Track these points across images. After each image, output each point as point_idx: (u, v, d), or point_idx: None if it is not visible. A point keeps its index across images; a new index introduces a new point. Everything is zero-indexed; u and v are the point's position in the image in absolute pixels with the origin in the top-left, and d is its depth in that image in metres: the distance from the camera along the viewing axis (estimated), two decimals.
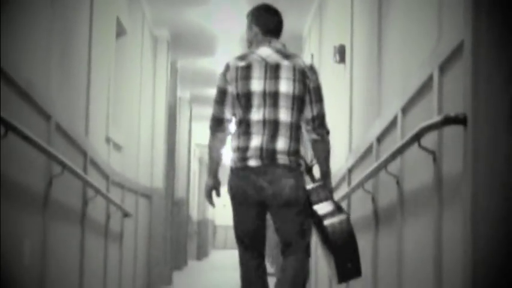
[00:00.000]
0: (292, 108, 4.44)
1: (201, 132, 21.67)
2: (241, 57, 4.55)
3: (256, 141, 4.44)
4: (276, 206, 4.41)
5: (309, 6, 9.54)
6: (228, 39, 11.37)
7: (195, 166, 24.07)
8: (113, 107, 8.17)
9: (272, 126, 4.43)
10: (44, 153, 4.50)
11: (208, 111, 17.96)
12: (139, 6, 9.37)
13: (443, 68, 3.68)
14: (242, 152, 4.44)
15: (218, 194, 4.69)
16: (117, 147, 7.99)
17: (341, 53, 7.05)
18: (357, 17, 6.40)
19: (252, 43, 4.70)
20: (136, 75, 9.29)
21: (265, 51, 4.54)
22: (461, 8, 3.35)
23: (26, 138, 4.12)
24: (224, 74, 4.55)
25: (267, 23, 4.65)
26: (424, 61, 3.95)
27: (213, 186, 4.66)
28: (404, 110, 4.47)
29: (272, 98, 4.45)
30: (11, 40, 4.20)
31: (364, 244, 5.73)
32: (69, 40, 5.69)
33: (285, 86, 4.46)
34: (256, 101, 4.46)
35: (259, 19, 4.66)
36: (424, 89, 4.04)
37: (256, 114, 4.46)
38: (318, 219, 4.42)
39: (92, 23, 6.47)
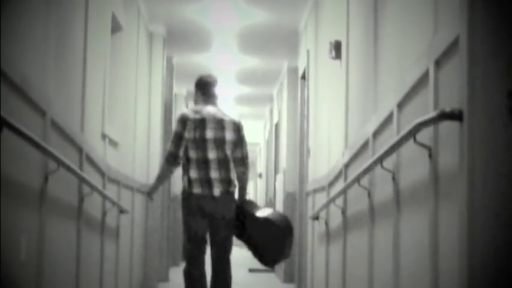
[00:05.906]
0: (230, 149, 6.24)
1: None
2: (196, 112, 6.21)
3: (214, 173, 6.13)
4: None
5: (305, 1, 9.53)
6: (224, 35, 11.36)
7: None
8: (109, 103, 8.16)
9: (222, 162, 6.20)
10: (39, 150, 4.49)
11: None
12: (134, 2, 9.35)
13: (439, 63, 3.67)
14: (195, 182, 6.12)
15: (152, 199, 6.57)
16: (113, 143, 7.98)
17: (337, 49, 7.04)
18: (353, 12, 6.40)
19: (196, 101, 6.37)
20: (132, 71, 9.27)
21: (212, 109, 6.27)
22: (457, 2, 3.34)
23: (21, 134, 4.10)
24: (184, 122, 6.14)
25: (210, 89, 6.41)
26: (420, 56, 3.94)
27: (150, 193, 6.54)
28: (400, 105, 4.47)
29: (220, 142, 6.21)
30: (6, 36, 4.19)
31: (359, 240, 5.72)
32: (65, 36, 5.67)
33: (228, 134, 6.25)
34: (210, 144, 6.16)
35: (204, 86, 6.39)
36: (420, 84, 4.03)
37: (211, 154, 6.14)
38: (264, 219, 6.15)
39: (88, 18, 6.46)
